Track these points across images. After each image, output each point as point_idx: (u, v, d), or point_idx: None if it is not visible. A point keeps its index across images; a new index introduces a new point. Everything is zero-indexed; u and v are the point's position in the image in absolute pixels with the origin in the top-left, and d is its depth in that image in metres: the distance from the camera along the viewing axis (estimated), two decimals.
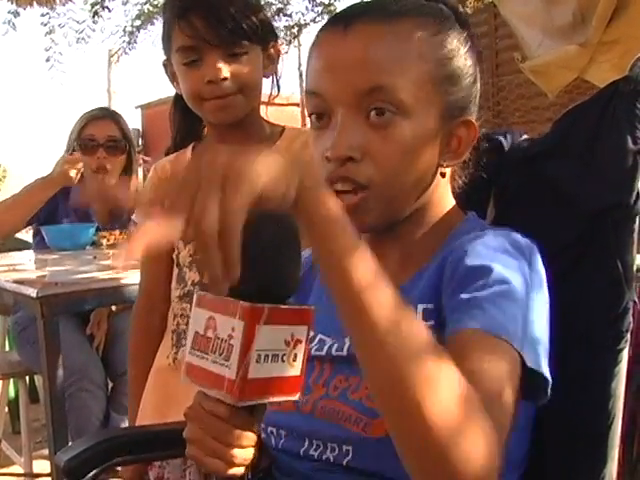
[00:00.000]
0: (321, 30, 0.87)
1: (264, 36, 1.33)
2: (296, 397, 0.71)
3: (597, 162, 0.91)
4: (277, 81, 1.43)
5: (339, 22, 0.83)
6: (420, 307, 0.81)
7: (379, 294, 0.64)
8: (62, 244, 2.50)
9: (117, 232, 2.61)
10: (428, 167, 0.85)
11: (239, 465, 0.74)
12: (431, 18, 0.85)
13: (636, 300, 0.87)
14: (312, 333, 0.72)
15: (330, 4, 4.10)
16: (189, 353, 0.70)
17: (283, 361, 0.68)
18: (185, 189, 0.59)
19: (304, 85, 0.91)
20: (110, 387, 2.51)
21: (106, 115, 2.63)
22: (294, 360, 0.69)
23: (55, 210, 2.58)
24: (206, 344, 0.68)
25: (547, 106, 4.40)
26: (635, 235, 0.87)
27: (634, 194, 0.87)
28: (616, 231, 0.87)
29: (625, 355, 0.87)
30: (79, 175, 2.49)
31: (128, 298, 1.88)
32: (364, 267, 0.64)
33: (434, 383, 0.62)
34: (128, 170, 2.67)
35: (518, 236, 0.83)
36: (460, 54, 0.86)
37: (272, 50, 1.36)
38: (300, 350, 0.69)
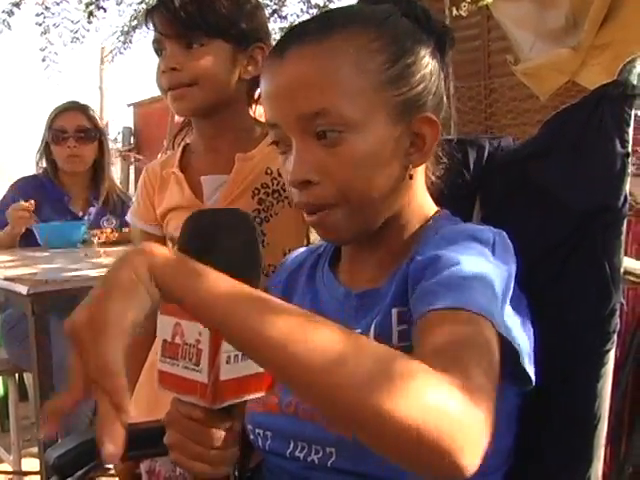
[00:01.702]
0: (265, 61, 0.88)
1: (233, 33, 1.32)
2: (269, 392, 0.72)
3: (585, 165, 0.91)
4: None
5: (277, 50, 0.83)
6: (394, 310, 0.81)
7: (303, 344, 0.58)
8: (53, 242, 2.50)
9: (108, 230, 2.61)
10: (392, 173, 0.84)
11: (223, 465, 0.74)
12: (365, 25, 0.83)
13: (623, 302, 0.88)
14: None
15: (325, 6, 4.11)
16: (160, 361, 0.70)
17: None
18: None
19: None
20: None
21: (74, 107, 2.72)
22: None
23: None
24: (175, 351, 0.68)
25: (539, 108, 4.43)
26: (623, 237, 0.88)
27: (622, 197, 0.87)
28: (604, 234, 0.88)
29: (612, 356, 0.88)
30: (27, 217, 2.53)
31: None
32: (276, 324, 0.59)
33: (399, 393, 0.57)
34: (101, 159, 2.72)
35: (481, 226, 0.83)
36: (405, 51, 0.84)
37: (255, 51, 1.35)
38: None
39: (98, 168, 2.74)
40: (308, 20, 0.88)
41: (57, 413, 0.59)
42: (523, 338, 0.76)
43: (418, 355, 0.62)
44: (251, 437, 0.90)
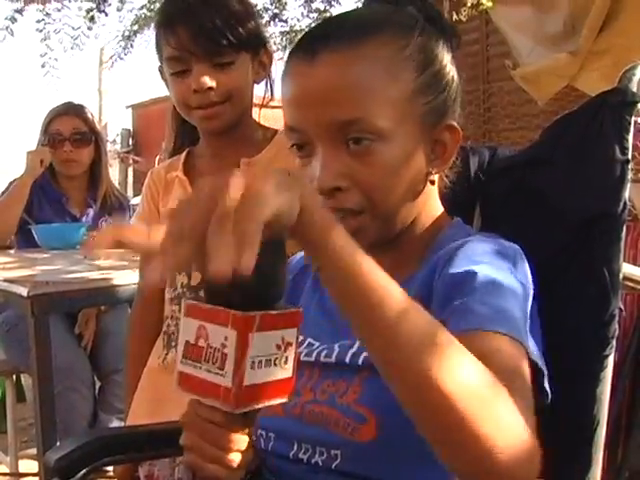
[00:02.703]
0: (289, 59, 0.85)
1: (253, 44, 1.33)
2: (289, 398, 0.72)
3: (585, 171, 0.92)
4: (271, 85, 1.44)
5: (305, 51, 0.82)
6: None
7: (410, 317, 0.63)
8: (52, 243, 2.51)
9: None
10: (417, 179, 0.85)
11: (238, 468, 0.75)
12: (396, 31, 0.83)
13: (622, 307, 0.89)
14: (301, 336, 0.73)
15: (325, 10, 4.12)
16: (181, 363, 0.70)
17: (275, 365, 0.69)
18: (194, 216, 0.56)
19: None
20: (98, 387, 2.51)
21: (70, 110, 2.72)
22: (285, 363, 0.70)
23: (30, 206, 2.63)
24: (198, 353, 0.68)
25: (537, 113, 4.43)
26: (622, 244, 0.88)
27: (621, 203, 0.88)
28: (603, 240, 0.89)
29: (611, 361, 0.88)
30: (45, 163, 2.62)
31: (119, 298, 1.88)
32: (391, 297, 0.63)
33: (488, 405, 0.62)
34: (98, 161, 2.73)
35: (503, 240, 0.84)
36: (432, 59, 0.85)
37: (264, 56, 1.37)
38: (291, 352, 0.70)
39: (95, 170, 2.75)
40: (337, 24, 0.86)
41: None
42: (539, 353, 0.77)
43: None
44: (253, 438, 0.90)
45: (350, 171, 0.81)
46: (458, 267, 0.78)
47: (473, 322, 0.71)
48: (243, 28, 1.30)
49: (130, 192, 6.83)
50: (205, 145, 1.41)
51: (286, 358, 0.69)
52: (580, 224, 0.90)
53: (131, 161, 7.65)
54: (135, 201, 3.15)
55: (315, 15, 4.30)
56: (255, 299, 0.65)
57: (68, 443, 1.09)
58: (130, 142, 8.51)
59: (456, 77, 0.88)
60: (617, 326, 0.87)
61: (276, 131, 1.43)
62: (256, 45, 1.34)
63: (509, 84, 4.55)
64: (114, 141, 8.71)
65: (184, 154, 1.42)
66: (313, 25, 0.93)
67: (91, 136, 2.70)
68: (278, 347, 0.69)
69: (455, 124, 0.86)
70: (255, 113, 1.44)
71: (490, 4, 3.97)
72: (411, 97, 0.82)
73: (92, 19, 3.76)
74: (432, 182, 0.87)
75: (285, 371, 0.70)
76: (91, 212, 2.75)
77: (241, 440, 0.73)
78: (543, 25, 3.93)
